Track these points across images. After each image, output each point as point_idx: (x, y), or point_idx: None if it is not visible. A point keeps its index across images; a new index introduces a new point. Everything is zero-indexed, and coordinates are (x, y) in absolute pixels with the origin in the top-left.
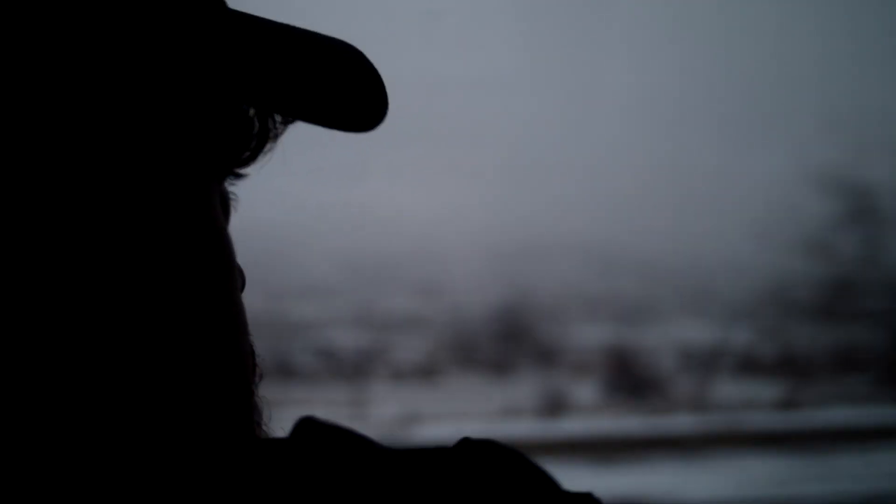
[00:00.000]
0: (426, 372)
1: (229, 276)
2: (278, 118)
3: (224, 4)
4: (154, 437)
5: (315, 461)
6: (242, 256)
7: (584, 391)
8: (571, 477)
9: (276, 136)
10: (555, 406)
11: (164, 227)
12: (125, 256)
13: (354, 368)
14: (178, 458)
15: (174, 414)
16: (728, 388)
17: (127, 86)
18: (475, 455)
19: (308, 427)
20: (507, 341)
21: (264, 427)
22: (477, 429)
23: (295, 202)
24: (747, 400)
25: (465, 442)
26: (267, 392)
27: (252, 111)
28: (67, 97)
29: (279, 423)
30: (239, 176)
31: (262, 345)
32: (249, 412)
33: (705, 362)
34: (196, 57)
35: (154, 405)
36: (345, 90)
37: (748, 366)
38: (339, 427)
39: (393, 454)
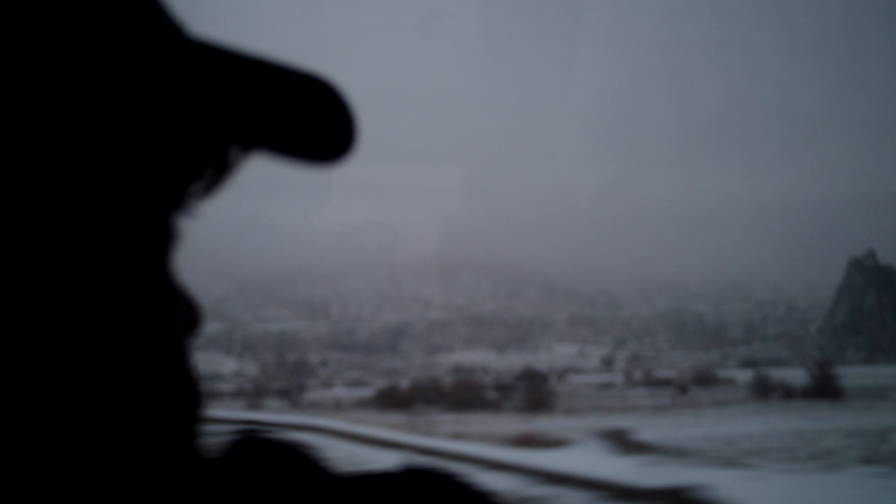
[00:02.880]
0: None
1: (166, 309)
2: (235, 150)
3: (181, 34)
4: (95, 464)
5: (256, 482)
6: None
7: None
8: None
9: (233, 168)
10: None
11: (104, 259)
12: (60, 288)
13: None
14: (120, 481)
15: (111, 441)
16: None
17: (77, 116)
18: (421, 482)
19: (249, 445)
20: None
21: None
22: None
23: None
24: None
25: (411, 470)
26: None
27: (208, 142)
28: (15, 126)
29: None
30: (191, 208)
31: None
32: (191, 442)
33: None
34: (149, 88)
35: (90, 440)
36: (307, 124)
37: None
38: (282, 445)
39: (339, 479)
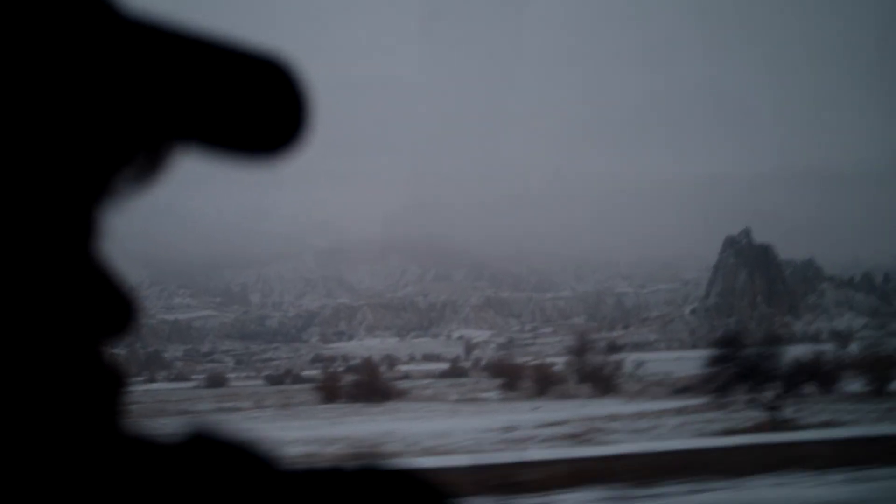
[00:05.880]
0: None
1: (84, 302)
2: (171, 139)
3: (114, 10)
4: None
5: (205, 480)
6: None
7: None
8: None
9: (168, 158)
10: None
11: (17, 248)
12: None
13: None
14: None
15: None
16: None
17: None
18: (376, 479)
19: (201, 442)
20: None
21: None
22: None
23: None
24: None
25: (366, 467)
26: None
27: (139, 129)
28: None
29: None
30: (119, 199)
31: None
32: (109, 440)
33: None
34: (73, 68)
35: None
36: (252, 110)
37: None
38: (234, 442)
39: (292, 476)
